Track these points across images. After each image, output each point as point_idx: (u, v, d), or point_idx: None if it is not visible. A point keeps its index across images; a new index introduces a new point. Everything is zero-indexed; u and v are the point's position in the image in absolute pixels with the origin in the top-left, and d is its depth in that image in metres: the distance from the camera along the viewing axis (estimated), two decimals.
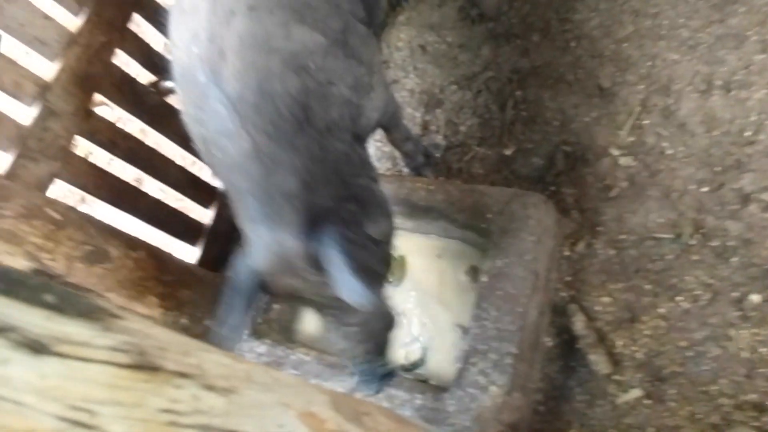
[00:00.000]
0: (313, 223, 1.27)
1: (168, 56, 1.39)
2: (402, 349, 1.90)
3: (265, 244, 1.31)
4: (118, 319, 0.42)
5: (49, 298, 0.37)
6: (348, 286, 1.20)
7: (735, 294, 1.64)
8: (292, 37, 1.25)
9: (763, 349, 1.56)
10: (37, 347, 0.35)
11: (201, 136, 1.32)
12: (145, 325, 0.44)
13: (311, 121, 1.27)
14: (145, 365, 0.41)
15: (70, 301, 0.38)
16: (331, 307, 1.37)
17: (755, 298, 1.61)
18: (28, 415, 0.35)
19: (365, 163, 1.45)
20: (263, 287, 1.35)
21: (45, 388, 0.35)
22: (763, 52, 1.81)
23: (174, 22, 1.33)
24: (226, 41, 1.22)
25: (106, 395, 0.38)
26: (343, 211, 1.31)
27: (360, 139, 1.45)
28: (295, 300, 1.43)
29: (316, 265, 1.27)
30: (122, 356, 0.39)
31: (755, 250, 1.65)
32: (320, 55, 1.28)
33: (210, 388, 0.45)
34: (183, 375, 0.43)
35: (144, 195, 2.11)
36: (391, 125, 1.84)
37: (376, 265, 1.36)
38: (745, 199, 1.70)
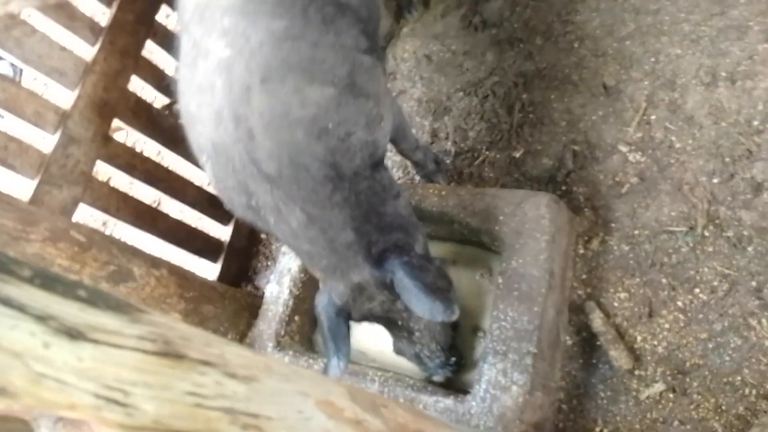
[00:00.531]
0: (375, 258, 1.47)
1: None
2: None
3: (343, 285, 1.51)
4: (144, 314, 0.46)
5: (82, 293, 0.41)
6: (424, 308, 1.40)
7: (753, 283, 1.64)
8: (308, 101, 1.33)
9: None
10: (74, 334, 0.40)
11: (242, 204, 1.47)
12: (169, 320, 0.48)
13: (341, 175, 1.40)
14: (170, 353, 0.45)
15: (100, 296, 0.43)
16: (401, 319, 1.60)
17: None
18: (69, 392, 0.39)
19: (386, 186, 1.54)
20: (347, 315, 1.57)
21: (82, 369, 0.40)
22: (767, 41, 1.82)
23: (191, 97, 1.40)
24: (251, 121, 1.31)
25: (137, 377, 0.42)
26: (394, 241, 1.51)
27: (377, 165, 1.53)
28: (371, 320, 1.61)
29: (387, 287, 1.48)
30: (149, 344, 0.43)
31: None
32: (334, 109, 1.36)
33: (232, 375, 0.49)
34: (206, 363, 0.47)
35: (164, 215, 2.16)
36: (399, 137, 1.88)
37: (440, 282, 1.51)
38: (758, 187, 1.71)
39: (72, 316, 0.41)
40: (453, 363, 1.72)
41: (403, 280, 1.43)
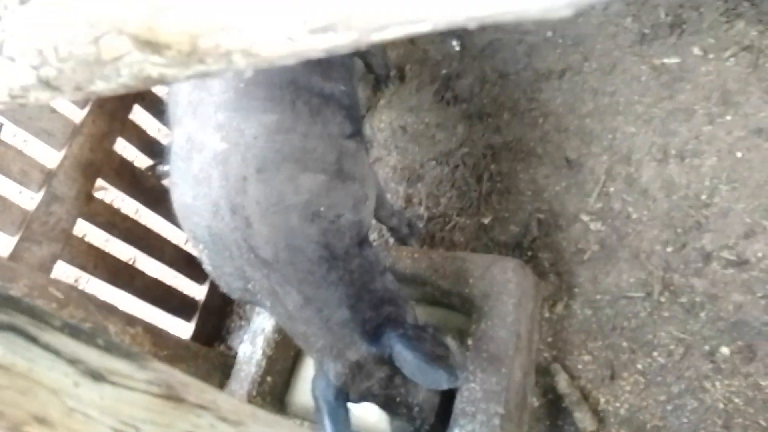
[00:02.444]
0: (370, 334, 1.51)
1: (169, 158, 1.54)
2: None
3: (340, 365, 1.52)
4: (149, 362, 0.52)
5: (100, 341, 0.48)
6: (427, 378, 1.43)
7: (706, 347, 1.73)
8: (301, 187, 1.41)
9: (737, 400, 1.64)
10: (96, 376, 0.47)
11: (239, 288, 1.52)
12: (170, 368, 0.54)
13: (334, 254, 1.47)
14: (173, 396, 0.52)
15: (114, 345, 0.50)
16: (399, 395, 1.60)
17: (725, 350, 1.70)
18: (93, 425, 0.46)
19: (373, 262, 1.59)
20: (346, 397, 1.56)
21: (104, 406, 0.47)
22: (710, 123, 2.00)
23: (188, 189, 1.45)
24: (248, 210, 1.38)
25: (146, 416, 0.49)
26: (386, 315, 1.54)
27: (363, 242, 1.59)
28: (370, 399, 1.59)
29: (385, 362, 1.51)
30: (156, 388, 0.50)
31: (721, 304, 1.76)
32: (325, 195, 1.44)
33: (223, 419, 0.56)
34: (202, 407, 0.54)
35: (140, 273, 2.19)
36: (378, 206, 1.97)
37: (438, 349, 1.53)
38: (707, 257, 1.83)
39: (94, 361, 0.48)
40: None
41: (402, 353, 1.45)
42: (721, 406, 1.65)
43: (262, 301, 1.51)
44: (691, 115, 2.05)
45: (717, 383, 1.68)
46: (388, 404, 1.62)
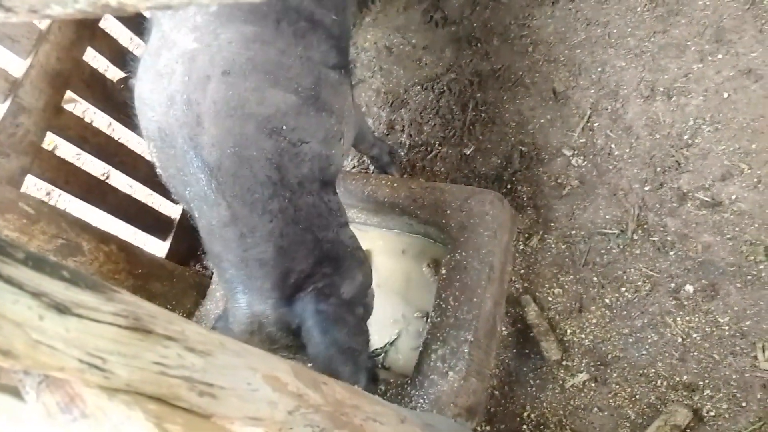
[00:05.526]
0: (288, 291, 1.33)
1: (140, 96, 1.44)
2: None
3: (240, 308, 1.37)
4: (117, 293, 0.52)
5: (65, 273, 0.47)
6: (328, 368, 1.27)
7: (672, 285, 1.78)
8: (266, 101, 1.31)
9: (695, 335, 1.71)
10: (61, 309, 0.47)
11: (182, 195, 1.41)
12: (137, 299, 0.54)
13: (284, 181, 1.32)
14: (140, 328, 0.52)
15: (80, 277, 0.49)
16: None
17: (689, 288, 1.76)
18: (59, 357, 0.47)
19: (334, 210, 1.47)
20: None
21: (69, 338, 0.47)
22: (701, 61, 1.96)
23: (148, 82, 1.38)
24: (203, 107, 1.28)
25: (113, 347, 0.50)
26: (318, 277, 1.36)
27: (327, 184, 1.47)
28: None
29: (291, 332, 1.34)
30: (123, 320, 0.50)
31: (691, 244, 1.80)
32: (293, 116, 1.33)
33: (191, 350, 0.56)
34: (169, 338, 0.55)
35: (114, 190, 2.15)
36: (358, 141, 1.92)
37: (354, 340, 1.38)
38: (683, 197, 1.85)
39: (59, 294, 0.48)
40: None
41: (311, 332, 1.30)
42: (679, 340, 1.72)
43: (192, 210, 1.40)
44: (682, 51, 2.01)
45: (678, 319, 1.74)
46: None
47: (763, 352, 1.63)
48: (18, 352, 0.45)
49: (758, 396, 1.61)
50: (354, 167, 2.36)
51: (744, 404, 1.62)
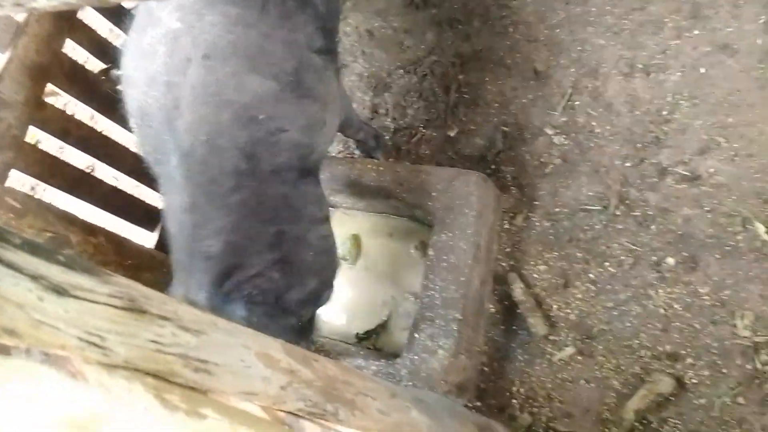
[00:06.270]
0: (226, 288, 1.33)
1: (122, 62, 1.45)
2: (358, 320, 2.03)
3: (177, 289, 1.41)
4: (111, 276, 0.54)
5: (61, 258, 0.50)
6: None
7: (653, 258, 1.83)
8: (244, 87, 1.30)
9: (676, 306, 1.76)
10: (60, 291, 0.49)
11: (156, 172, 1.43)
12: (132, 282, 0.56)
13: (255, 171, 1.31)
14: (135, 308, 0.55)
15: (75, 261, 0.51)
16: None
17: (671, 260, 1.80)
18: (60, 336, 0.49)
19: (310, 202, 1.44)
20: None
21: (69, 318, 0.50)
22: (678, 37, 1.98)
23: (131, 61, 1.39)
24: (182, 91, 1.29)
25: (110, 326, 0.53)
26: (263, 281, 1.34)
27: (308, 173, 1.46)
28: None
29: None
30: (118, 301, 0.53)
31: (671, 217, 1.84)
32: (271, 103, 1.32)
33: (185, 328, 0.59)
34: (164, 318, 0.57)
35: (99, 182, 2.14)
36: (345, 126, 1.93)
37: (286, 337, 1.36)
38: (663, 172, 1.89)
39: (57, 277, 0.50)
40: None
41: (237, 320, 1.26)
42: (661, 311, 1.77)
43: (161, 187, 1.42)
44: (660, 27, 2.03)
45: (660, 291, 1.79)
46: None
47: (742, 319, 1.68)
48: (21, 331, 0.47)
49: (737, 362, 1.66)
50: (339, 152, 2.38)
51: (725, 371, 1.67)
